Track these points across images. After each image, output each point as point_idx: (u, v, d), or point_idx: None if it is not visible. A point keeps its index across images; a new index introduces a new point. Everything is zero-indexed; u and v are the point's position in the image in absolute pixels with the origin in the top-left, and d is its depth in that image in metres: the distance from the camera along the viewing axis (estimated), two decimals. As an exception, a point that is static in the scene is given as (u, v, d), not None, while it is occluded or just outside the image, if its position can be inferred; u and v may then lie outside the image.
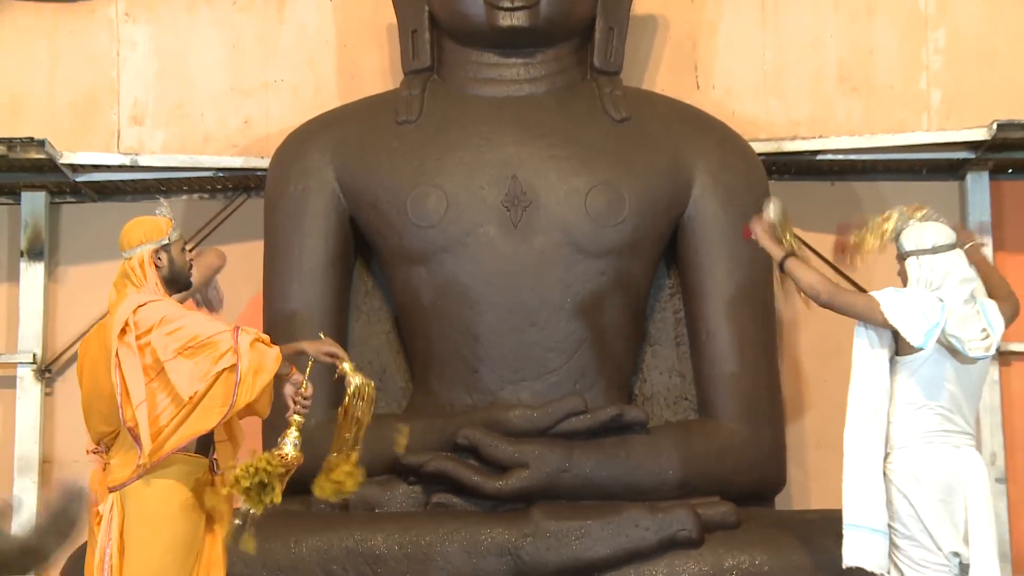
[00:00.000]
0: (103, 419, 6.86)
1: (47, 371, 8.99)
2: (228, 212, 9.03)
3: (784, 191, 8.75)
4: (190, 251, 7.02)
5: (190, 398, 6.49)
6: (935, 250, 6.91)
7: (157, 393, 6.66)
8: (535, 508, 7.71)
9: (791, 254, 7.01)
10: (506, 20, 8.55)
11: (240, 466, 6.42)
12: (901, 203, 7.59)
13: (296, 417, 6.64)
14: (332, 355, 6.73)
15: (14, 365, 8.80)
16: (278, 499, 6.51)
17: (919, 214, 7.01)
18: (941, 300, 6.74)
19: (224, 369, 6.49)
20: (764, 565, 7.52)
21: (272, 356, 6.58)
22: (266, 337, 6.68)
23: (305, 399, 6.69)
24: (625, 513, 7.62)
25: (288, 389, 6.69)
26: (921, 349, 6.71)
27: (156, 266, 6.89)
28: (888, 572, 6.88)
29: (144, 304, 6.75)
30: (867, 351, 6.96)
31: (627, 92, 8.90)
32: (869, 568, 6.85)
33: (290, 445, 6.55)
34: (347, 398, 6.74)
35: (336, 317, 8.39)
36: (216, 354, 6.52)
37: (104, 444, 6.84)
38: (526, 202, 8.45)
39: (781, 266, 7.05)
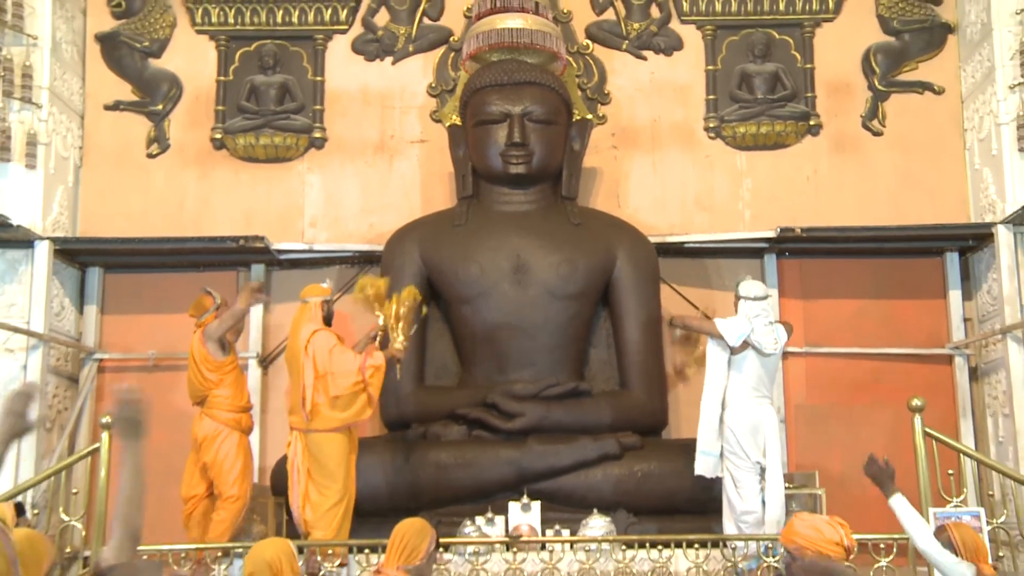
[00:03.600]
0: (294, 386, 7.14)
1: (264, 361, 8.95)
2: (360, 274, 8.85)
3: (666, 264, 8.83)
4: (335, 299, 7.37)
5: (335, 396, 6.89)
6: (755, 299, 7.16)
7: (319, 386, 6.86)
8: (530, 438, 7.72)
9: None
10: (514, 169, 8.52)
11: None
12: (732, 272, 7.75)
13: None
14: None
15: (246, 359, 8.64)
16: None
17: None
18: (750, 322, 6.97)
19: (357, 390, 6.98)
20: (656, 469, 7.59)
21: (380, 370, 7.09)
22: (380, 364, 7.08)
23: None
24: (579, 440, 7.71)
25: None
26: (734, 347, 7.02)
27: (322, 309, 7.13)
28: (721, 475, 7.07)
29: (317, 331, 7.11)
30: (715, 352, 7.16)
31: (580, 209, 8.84)
32: (707, 475, 7.08)
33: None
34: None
35: (419, 333, 8.08)
36: (352, 380, 6.94)
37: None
38: (524, 270, 8.39)
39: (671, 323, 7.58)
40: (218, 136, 9.28)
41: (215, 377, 7.29)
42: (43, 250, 8.34)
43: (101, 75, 9.38)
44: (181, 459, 7.44)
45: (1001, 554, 7.03)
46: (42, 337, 8.20)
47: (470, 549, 6.79)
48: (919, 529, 4.85)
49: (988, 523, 6.78)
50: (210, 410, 7.29)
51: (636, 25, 9.55)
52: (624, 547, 6.83)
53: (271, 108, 9.29)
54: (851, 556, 4.09)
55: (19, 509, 5.76)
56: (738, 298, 7.24)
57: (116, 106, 9.34)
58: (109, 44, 9.39)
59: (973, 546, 4.67)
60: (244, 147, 9.24)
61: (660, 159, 9.37)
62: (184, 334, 7.71)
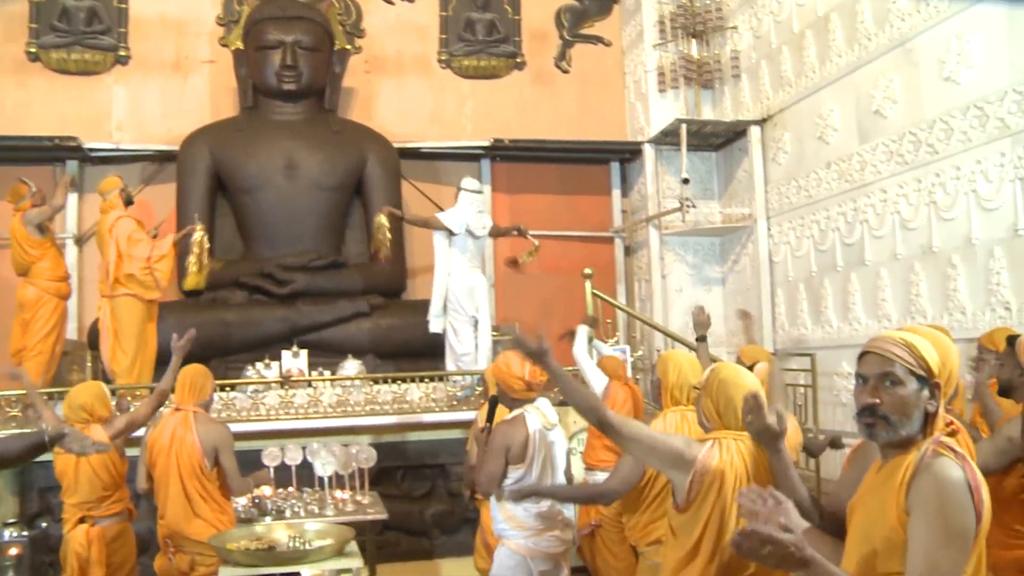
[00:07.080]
0: (103, 261, 6.76)
1: (80, 241, 8.36)
2: (159, 169, 8.50)
3: (406, 165, 8.68)
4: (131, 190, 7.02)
5: (129, 274, 6.57)
6: (474, 191, 7.10)
7: (120, 263, 6.50)
8: (298, 300, 7.66)
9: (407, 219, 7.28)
10: (286, 85, 8.27)
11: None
12: (456, 172, 7.65)
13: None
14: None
15: (64, 239, 8.00)
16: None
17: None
18: (465, 212, 6.92)
19: (146, 273, 6.62)
20: (396, 323, 7.67)
21: (167, 256, 6.73)
22: (165, 252, 6.72)
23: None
24: (337, 302, 7.69)
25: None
26: (458, 233, 6.91)
27: (121, 197, 6.69)
28: (444, 330, 7.07)
29: (121, 217, 6.71)
30: (439, 239, 7.06)
31: (339, 120, 8.64)
32: (436, 331, 7.03)
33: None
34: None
35: (209, 217, 7.88)
36: (140, 265, 6.62)
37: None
38: (294, 167, 8.17)
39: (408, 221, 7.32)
40: (32, 50, 8.47)
41: (37, 253, 6.87)
42: None
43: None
44: (8, 320, 6.90)
45: (637, 377, 7.52)
46: None
47: (251, 388, 6.64)
48: (588, 363, 5.46)
49: (631, 356, 7.29)
50: (33, 279, 6.87)
51: (386, -24, 9.30)
52: (372, 383, 6.84)
53: (80, 29, 8.53)
54: (532, 390, 3.81)
55: None
56: (459, 190, 7.16)
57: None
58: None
59: (612, 368, 5.39)
60: (57, 60, 8.49)
61: (403, 83, 9.24)
62: (5, 218, 7.08)
